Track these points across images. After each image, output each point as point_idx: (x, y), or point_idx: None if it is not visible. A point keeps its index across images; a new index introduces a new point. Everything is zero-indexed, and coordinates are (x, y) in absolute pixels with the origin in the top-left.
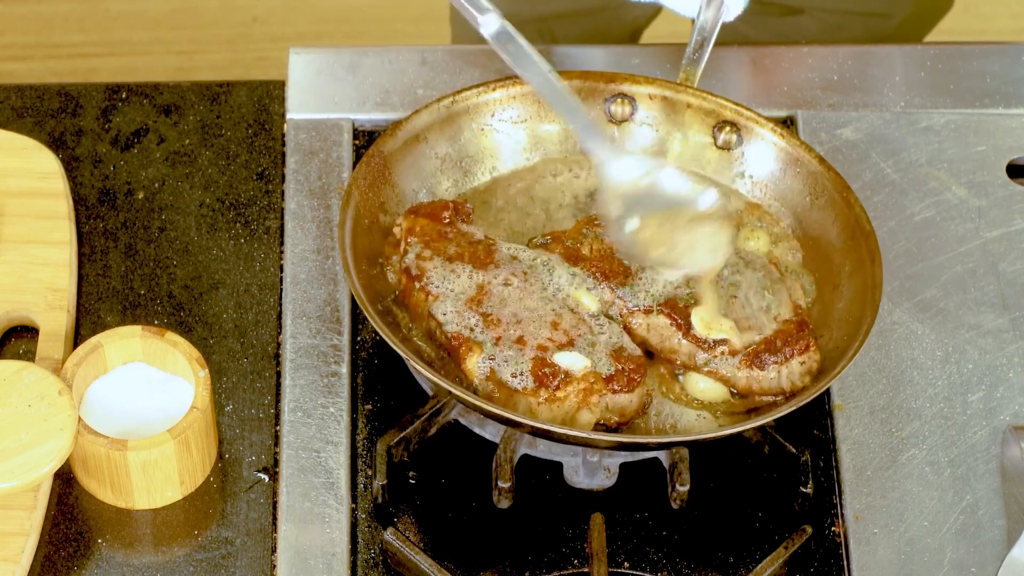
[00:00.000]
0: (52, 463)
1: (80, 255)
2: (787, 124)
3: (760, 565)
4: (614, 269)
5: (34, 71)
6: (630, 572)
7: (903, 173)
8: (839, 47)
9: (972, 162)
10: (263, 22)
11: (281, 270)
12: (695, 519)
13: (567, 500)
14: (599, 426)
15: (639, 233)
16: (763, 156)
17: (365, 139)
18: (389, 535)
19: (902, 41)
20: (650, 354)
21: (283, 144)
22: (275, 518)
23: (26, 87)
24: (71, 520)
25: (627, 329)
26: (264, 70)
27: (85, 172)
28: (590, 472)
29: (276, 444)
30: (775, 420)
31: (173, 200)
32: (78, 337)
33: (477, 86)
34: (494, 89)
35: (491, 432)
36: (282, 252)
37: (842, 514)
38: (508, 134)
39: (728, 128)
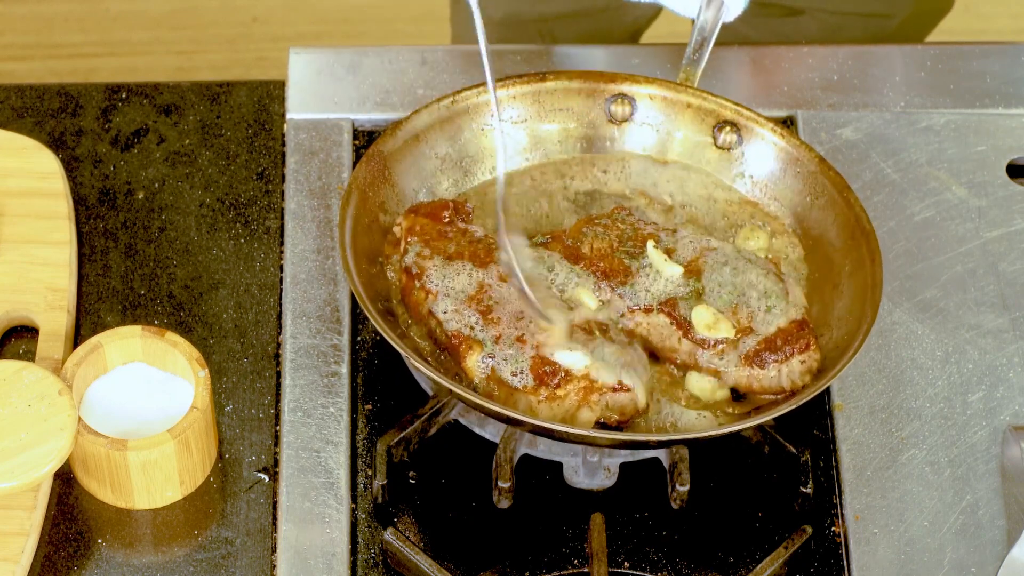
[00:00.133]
0: (52, 463)
1: (80, 255)
2: (787, 124)
3: (760, 565)
4: (614, 268)
5: (34, 71)
6: (630, 572)
7: (903, 173)
8: (839, 47)
9: (972, 162)
10: (263, 22)
11: (281, 270)
12: (695, 519)
13: (567, 500)
14: (599, 425)
15: None
16: (763, 156)
17: (365, 139)
18: (389, 535)
19: (903, 41)
20: (651, 353)
21: (283, 144)
22: (275, 518)
23: (26, 87)
24: (71, 520)
25: (627, 328)
26: (264, 70)
27: (85, 172)
28: (590, 472)
29: (276, 444)
30: (775, 419)
31: (173, 200)
32: (78, 337)
33: (477, 86)
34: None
35: (491, 432)
36: (282, 252)
37: (842, 514)
38: (508, 134)
39: (728, 128)
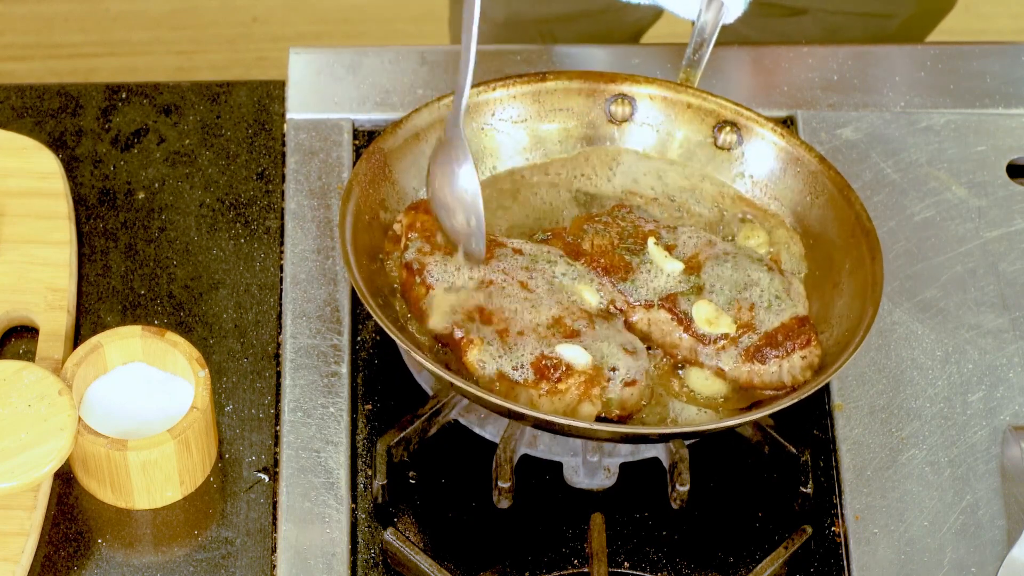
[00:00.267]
0: (52, 463)
1: (80, 255)
2: (787, 124)
3: (760, 565)
4: (615, 264)
5: (34, 71)
6: (630, 572)
7: (903, 173)
8: (839, 47)
9: (972, 162)
10: (263, 22)
11: (281, 270)
12: (695, 519)
13: (567, 500)
14: (600, 420)
15: None
16: (763, 156)
17: (365, 139)
18: (389, 535)
19: (903, 41)
20: (651, 350)
21: (283, 144)
22: (275, 518)
23: (26, 87)
24: (71, 520)
25: (628, 324)
26: (264, 70)
27: (85, 172)
28: (590, 472)
29: (276, 444)
30: (778, 414)
31: (173, 200)
32: (78, 337)
33: (477, 85)
34: (494, 88)
35: (491, 432)
36: (282, 252)
37: (842, 514)
38: (508, 133)
39: (728, 128)
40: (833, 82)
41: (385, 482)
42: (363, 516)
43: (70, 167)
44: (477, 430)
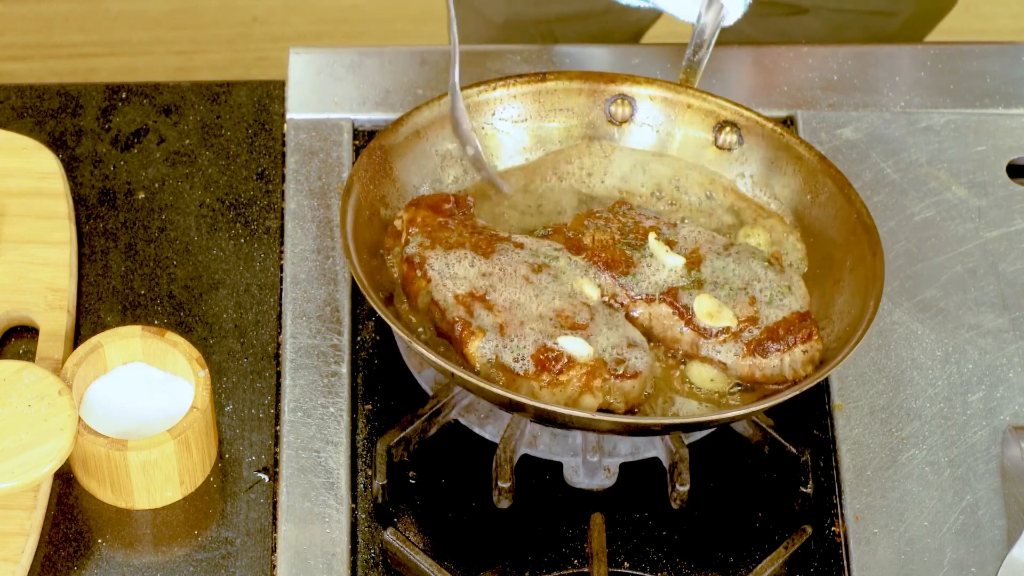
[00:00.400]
0: (52, 463)
1: (80, 255)
2: (787, 124)
3: (760, 565)
4: (616, 259)
5: (34, 71)
6: (630, 572)
7: (903, 173)
8: (839, 47)
9: (972, 162)
10: (263, 22)
11: (281, 270)
12: (695, 519)
13: (567, 500)
14: (602, 412)
15: None
16: (763, 156)
17: (365, 139)
18: (389, 535)
19: (905, 39)
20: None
21: (283, 144)
22: (275, 518)
23: (26, 87)
24: (71, 520)
25: (629, 318)
26: (264, 70)
27: (85, 172)
28: (590, 472)
29: (276, 444)
30: (778, 414)
31: (173, 200)
32: (78, 337)
33: (477, 84)
34: (494, 88)
35: (491, 432)
36: (282, 252)
37: (842, 514)
38: (509, 133)
39: (728, 128)
40: (833, 82)
41: (385, 482)
42: (363, 516)
43: (70, 167)
44: (477, 430)
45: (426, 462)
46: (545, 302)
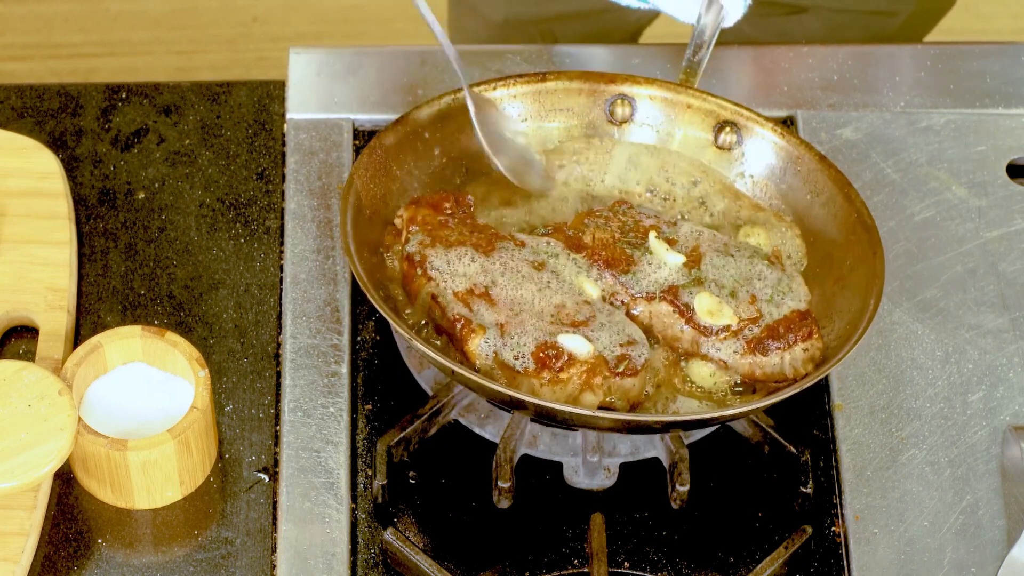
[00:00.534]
0: (52, 463)
1: (80, 255)
2: (787, 124)
3: (760, 565)
4: (616, 257)
5: (34, 71)
6: (630, 572)
7: (903, 173)
8: (839, 47)
9: (972, 162)
10: (263, 22)
11: (281, 270)
12: (695, 519)
13: (567, 500)
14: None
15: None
16: (763, 155)
17: (365, 139)
18: (389, 535)
19: (905, 39)
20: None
21: (283, 144)
22: (275, 518)
23: (26, 87)
24: (71, 520)
25: (630, 316)
26: (264, 70)
27: (85, 172)
28: (590, 472)
29: (276, 444)
30: (778, 414)
31: (173, 200)
32: (78, 337)
33: (477, 84)
34: (495, 88)
35: (491, 432)
36: (282, 252)
37: (842, 514)
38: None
39: (728, 128)
40: (833, 82)
41: (385, 482)
42: (363, 516)
43: (70, 167)
44: (477, 430)
45: (426, 462)
46: (546, 300)
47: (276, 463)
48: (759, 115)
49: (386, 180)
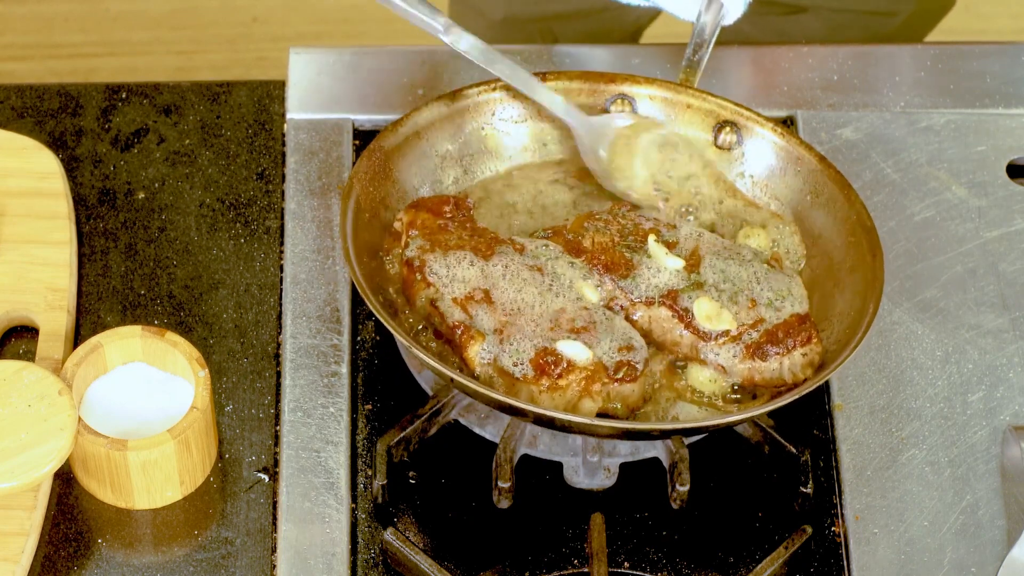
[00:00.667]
0: (52, 463)
1: (80, 255)
2: (787, 124)
3: (760, 565)
4: (615, 261)
5: (34, 71)
6: (630, 572)
7: (903, 173)
8: (839, 47)
9: (972, 162)
10: (263, 22)
11: (281, 270)
12: (695, 519)
13: (567, 500)
14: (601, 416)
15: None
16: (763, 156)
17: (365, 139)
18: (389, 535)
19: (905, 39)
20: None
21: (283, 144)
22: (275, 518)
23: (26, 87)
24: (71, 520)
25: (629, 321)
26: (264, 70)
27: (85, 172)
28: (590, 472)
29: (276, 444)
30: (778, 414)
31: (173, 200)
32: (78, 337)
33: (477, 84)
34: (495, 88)
35: (491, 432)
36: (282, 252)
37: (842, 514)
38: (509, 133)
39: (728, 128)
40: (833, 82)
41: (385, 482)
42: (363, 516)
43: (70, 167)
44: (477, 430)
45: (426, 462)
46: (545, 305)
47: (276, 463)
48: (759, 115)
49: (386, 183)
